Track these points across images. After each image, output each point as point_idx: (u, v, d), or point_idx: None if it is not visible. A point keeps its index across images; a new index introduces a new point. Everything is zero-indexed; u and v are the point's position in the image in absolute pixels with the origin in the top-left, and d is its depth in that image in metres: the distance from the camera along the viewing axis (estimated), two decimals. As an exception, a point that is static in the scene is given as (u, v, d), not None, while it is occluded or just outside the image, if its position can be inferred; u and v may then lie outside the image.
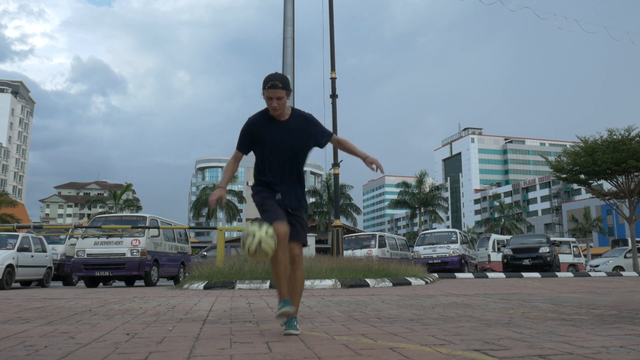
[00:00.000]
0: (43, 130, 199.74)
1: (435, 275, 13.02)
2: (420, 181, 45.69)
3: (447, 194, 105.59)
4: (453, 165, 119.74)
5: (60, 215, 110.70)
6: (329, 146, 3.38)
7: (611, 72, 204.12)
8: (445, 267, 17.58)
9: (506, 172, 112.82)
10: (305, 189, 3.37)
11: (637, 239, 22.27)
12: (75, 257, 12.50)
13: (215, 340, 2.75)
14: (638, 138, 21.32)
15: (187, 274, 11.51)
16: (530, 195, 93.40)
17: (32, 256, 12.81)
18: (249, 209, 77.43)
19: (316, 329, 3.23)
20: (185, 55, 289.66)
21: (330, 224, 23.15)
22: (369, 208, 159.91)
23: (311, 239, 20.27)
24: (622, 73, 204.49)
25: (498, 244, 25.36)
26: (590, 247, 50.56)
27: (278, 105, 2.97)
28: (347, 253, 16.99)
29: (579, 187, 30.11)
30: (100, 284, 14.07)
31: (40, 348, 2.54)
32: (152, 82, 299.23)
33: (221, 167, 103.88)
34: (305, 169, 3.32)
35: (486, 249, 25.65)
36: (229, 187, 53.89)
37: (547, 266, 18.26)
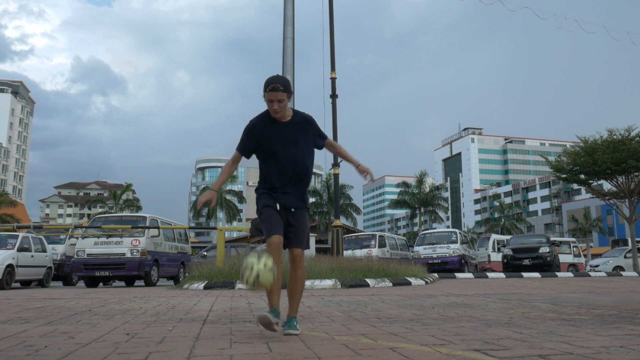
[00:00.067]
0: (43, 130, 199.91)
1: (435, 275, 13.01)
2: (420, 181, 45.69)
3: (447, 194, 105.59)
4: (453, 165, 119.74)
5: (60, 215, 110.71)
6: None
7: (611, 72, 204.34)
8: (445, 267, 17.58)
9: (506, 172, 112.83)
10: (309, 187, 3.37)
11: (637, 239, 22.26)
12: (75, 257, 12.50)
13: (215, 340, 2.75)
14: (638, 138, 21.32)
15: (187, 274, 11.51)
16: (530, 195, 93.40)
17: (32, 256, 12.81)
18: (249, 209, 77.43)
19: (316, 329, 3.23)
20: (185, 55, 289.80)
21: (330, 224, 23.16)
22: (369, 208, 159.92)
23: (311, 239, 20.26)
24: (622, 73, 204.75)
25: (498, 244, 25.35)
26: (590, 247, 50.55)
27: (279, 107, 2.97)
28: (347, 253, 16.99)
29: (579, 187, 30.12)
30: (100, 284, 14.07)
31: (40, 348, 2.54)
32: (152, 82, 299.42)
33: (221, 167, 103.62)
34: (313, 162, 3.31)
35: (486, 249, 25.64)
36: (229, 187, 53.50)
37: (547, 266, 18.26)
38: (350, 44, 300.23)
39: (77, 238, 13.61)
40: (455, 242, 18.66)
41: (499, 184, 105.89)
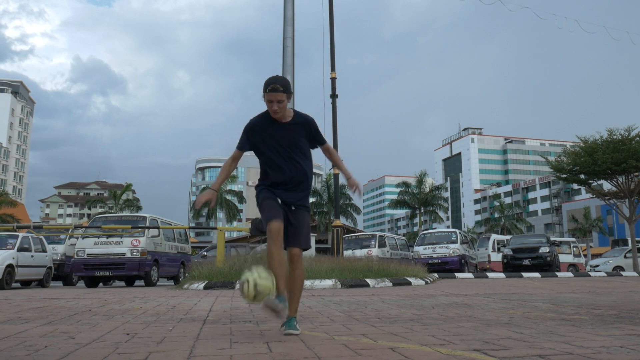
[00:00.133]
0: (43, 130, 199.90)
1: (435, 275, 13.01)
2: (420, 181, 45.69)
3: (447, 194, 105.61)
4: (453, 165, 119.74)
5: (60, 215, 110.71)
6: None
7: (611, 72, 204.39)
8: (445, 267, 17.58)
9: (506, 172, 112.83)
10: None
11: (637, 239, 22.26)
12: (75, 257, 12.50)
13: (215, 340, 2.75)
14: (638, 138, 21.32)
15: (187, 274, 11.51)
16: (530, 195, 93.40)
17: (32, 256, 12.81)
18: (249, 209, 77.39)
19: (316, 329, 3.23)
20: (185, 55, 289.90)
21: (330, 224, 23.16)
22: (369, 208, 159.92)
23: (311, 239, 20.25)
24: (622, 73, 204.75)
25: (498, 244, 25.35)
26: (590, 247, 50.55)
27: (279, 108, 2.98)
28: (347, 253, 16.99)
29: (579, 187, 30.12)
30: (100, 284, 14.07)
31: (40, 348, 2.54)
32: (152, 82, 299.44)
33: (221, 167, 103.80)
34: (312, 163, 3.31)
35: (486, 249, 25.65)
36: (229, 187, 53.38)
37: (547, 266, 18.26)
38: (350, 44, 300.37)
39: (77, 238, 13.61)
40: (455, 242, 18.66)
41: (499, 184, 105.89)
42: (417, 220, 49.27)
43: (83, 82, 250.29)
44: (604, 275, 15.94)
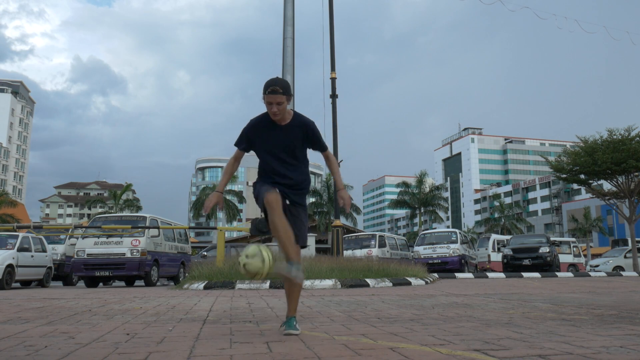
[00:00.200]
0: (43, 130, 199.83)
1: (435, 275, 13.01)
2: (420, 181, 45.68)
3: (447, 194, 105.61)
4: (453, 165, 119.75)
5: (60, 215, 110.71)
6: (330, 146, 3.39)
7: (611, 72, 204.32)
8: (445, 267, 17.58)
9: (506, 172, 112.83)
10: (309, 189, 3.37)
11: (637, 239, 22.27)
12: (75, 257, 12.50)
13: (215, 340, 2.75)
14: (638, 138, 21.32)
15: (187, 274, 11.50)
16: (530, 195, 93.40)
17: (32, 256, 12.81)
18: (249, 209, 77.42)
19: (316, 329, 3.23)
20: (185, 55, 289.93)
21: (330, 224, 23.15)
22: (369, 208, 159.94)
23: (311, 239, 20.26)
24: (622, 73, 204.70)
25: (498, 244, 25.35)
26: (590, 247, 50.55)
27: (278, 110, 2.98)
28: (347, 253, 16.99)
29: (579, 187, 30.12)
30: (100, 284, 14.07)
31: (40, 348, 2.54)
32: (152, 82, 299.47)
33: (221, 167, 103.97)
34: (308, 166, 3.32)
35: (486, 249, 25.64)
36: (228, 187, 53.46)
37: (547, 266, 18.26)
38: (350, 44, 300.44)
39: (77, 238, 13.61)
40: (455, 242, 18.66)
41: (499, 184, 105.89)
42: (417, 220, 49.26)
43: (83, 82, 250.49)
44: (604, 275, 15.94)
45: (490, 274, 15.45)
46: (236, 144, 3.20)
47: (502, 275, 15.25)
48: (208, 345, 2.60)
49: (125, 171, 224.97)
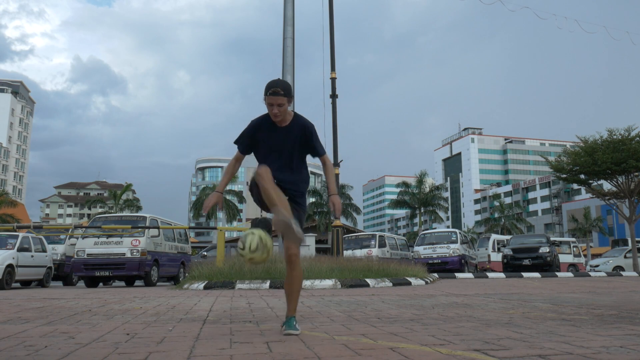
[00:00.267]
0: (43, 130, 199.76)
1: (435, 275, 13.02)
2: (420, 181, 45.69)
3: (447, 194, 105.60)
4: (453, 165, 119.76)
5: (60, 215, 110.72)
6: (330, 145, 3.40)
7: (611, 72, 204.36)
8: (445, 267, 17.58)
9: (506, 172, 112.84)
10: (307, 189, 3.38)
11: (637, 239, 22.27)
12: (75, 257, 12.51)
13: (215, 340, 2.75)
14: (638, 138, 21.33)
15: (187, 274, 11.51)
16: (530, 195, 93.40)
17: (32, 256, 12.81)
18: (249, 209, 77.43)
19: (316, 329, 3.23)
20: (185, 55, 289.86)
21: (330, 224, 23.17)
22: (369, 208, 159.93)
23: (311, 239, 20.27)
24: (622, 73, 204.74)
25: (498, 244, 25.36)
26: (590, 247, 50.55)
27: (279, 111, 2.99)
28: (347, 253, 16.99)
29: (579, 187, 30.13)
30: (100, 284, 14.07)
31: (40, 348, 2.54)
32: (152, 82, 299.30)
33: (221, 167, 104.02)
34: (307, 169, 3.32)
35: (486, 249, 25.65)
36: (229, 187, 53.51)
37: (547, 266, 18.27)
38: (350, 44, 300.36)
39: (77, 238, 13.61)
40: (455, 242, 18.66)
41: (499, 184, 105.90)
42: (417, 220, 49.26)
43: (83, 82, 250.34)
44: (604, 275, 15.95)
45: (490, 274, 15.45)
46: (236, 143, 3.21)
47: (502, 275, 15.25)
48: (208, 345, 2.60)
49: (125, 171, 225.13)
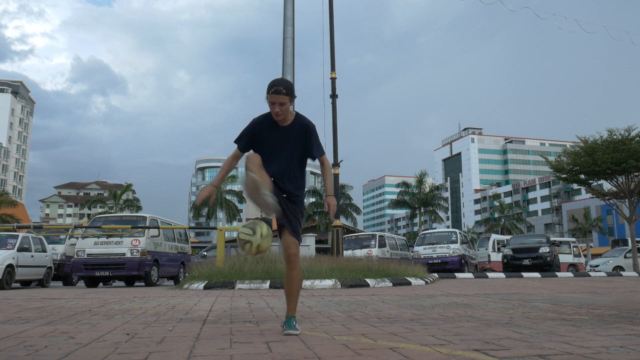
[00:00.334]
0: (43, 130, 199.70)
1: (435, 275, 13.02)
2: (420, 181, 45.68)
3: (447, 194, 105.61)
4: (453, 165, 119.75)
5: (60, 215, 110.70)
6: (330, 145, 3.40)
7: (611, 72, 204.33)
8: (445, 267, 17.58)
9: (506, 172, 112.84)
10: (305, 189, 3.38)
11: (637, 239, 22.27)
12: (75, 257, 12.50)
13: (215, 340, 2.75)
14: (638, 138, 21.33)
15: (187, 274, 11.50)
16: (530, 195, 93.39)
17: (32, 256, 12.81)
18: (249, 209, 77.41)
19: (316, 329, 3.23)
20: (185, 55, 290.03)
21: (330, 224, 23.17)
22: (369, 208, 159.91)
23: (311, 239, 20.27)
24: (622, 73, 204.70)
25: (498, 244, 25.36)
26: (590, 247, 50.55)
27: (280, 110, 3.00)
28: (347, 253, 16.98)
29: (579, 187, 30.13)
30: (100, 284, 14.07)
31: (40, 348, 2.54)
32: (152, 82, 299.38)
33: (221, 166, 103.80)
34: (305, 169, 3.32)
35: (486, 249, 25.65)
36: (229, 187, 53.36)
37: (547, 266, 18.27)
38: (350, 44, 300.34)
39: (77, 238, 13.61)
40: (455, 242, 18.66)
41: (499, 184, 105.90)
42: (417, 220, 49.25)
43: (83, 82, 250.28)
44: (604, 275, 15.95)
45: (490, 274, 15.45)
46: (236, 142, 3.20)
47: (502, 275, 15.25)
48: (208, 345, 2.60)
49: (125, 171, 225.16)
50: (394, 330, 3.14)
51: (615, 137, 21.71)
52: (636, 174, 22.39)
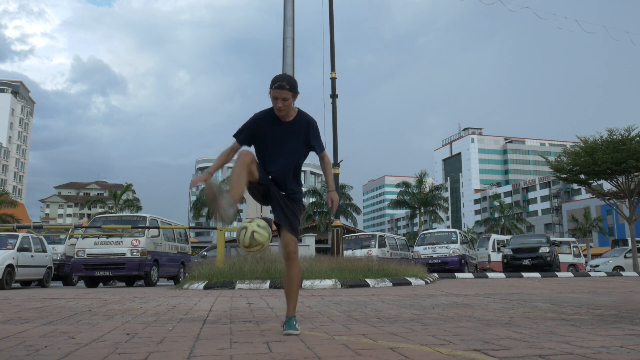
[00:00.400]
0: (43, 130, 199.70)
1: (435, 275, 13.01)
2: (420, 181, 45.67)
3: (447, 194, 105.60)
4: (453, 165, 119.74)
5: (60, 215, 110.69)
6: (330, 145, 3.41)
7: (611, 72, 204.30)
8: (445, 267, 17.58)
9: (506, 172, 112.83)
10: (304, 189, 3.39)
11: (637, 239, 22.27)
12: (75, 257, 12.50)
13: (215, 340, 2.75)
14: (638, 138, 21.33)
15: (187, 274, 11.50)
16: (530, 195, 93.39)
17: (32, 256, 12.81)
18: (249, 209, 77.43)
19: (316, 329, 3.23)
20: (185, 55, 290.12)
21: (330, 224, 23.17)
22: (369, 208, 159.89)
23: (311, 239, 20.27)
24: (622, 73, 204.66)
25: (498, 244, 25.36)
26: (590, 247, 50.54)
27: (283, 105, 2.99)
28: (347, 253, 16.98)
29: (579, 187, 30.14)
30: (100, 284, 14.07)
31: (40, 348, 2.54)
32: (152, 82, 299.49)
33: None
34: (305, 169, 3.34)
35: (486, 249, 25.64)
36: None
37: (547, 266, 18.26)
38: (350, 44, 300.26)
39: (77, 238, 13.61)
40: (455, 242, 18.66)
41: (499, 184, 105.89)
42: (417, 220, 49.23)
43: (83, 82, 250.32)
44: (604, 275, 15.94)
45: (490, 274, 15.45)
46: (235, 135, 3.16)
47: (502, 275, 15.25)
48: (208, 345, 2.60)
49: (125, 171, 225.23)
50: (394, 330, 3.14)
51: (615, 137, 21.71)
52: (636, 174, 22.39)
